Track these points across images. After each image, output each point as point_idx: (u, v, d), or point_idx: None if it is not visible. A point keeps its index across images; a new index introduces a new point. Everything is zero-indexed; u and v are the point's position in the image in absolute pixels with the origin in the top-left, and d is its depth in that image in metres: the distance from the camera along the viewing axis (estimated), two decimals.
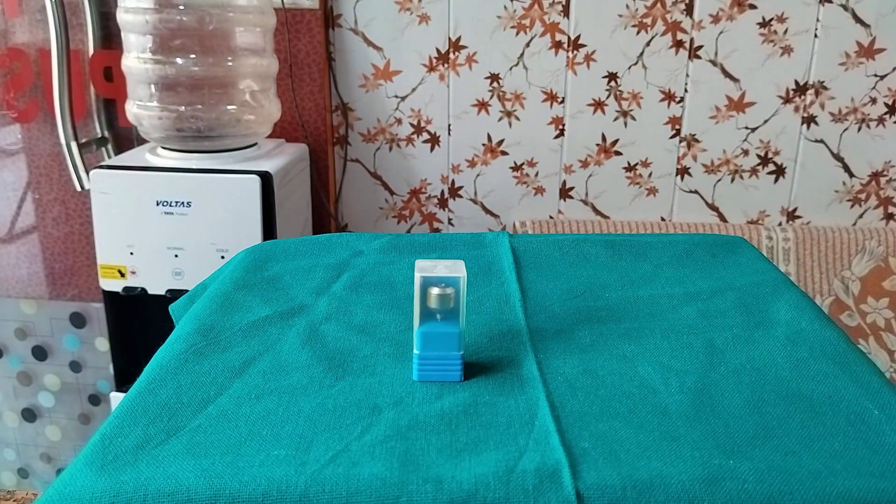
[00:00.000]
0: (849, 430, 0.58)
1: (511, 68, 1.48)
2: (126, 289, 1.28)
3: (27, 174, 1.61)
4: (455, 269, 0.65)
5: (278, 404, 0.62)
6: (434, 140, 1.55)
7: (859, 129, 1.47)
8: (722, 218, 1.55)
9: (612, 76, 1.48)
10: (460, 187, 1.57)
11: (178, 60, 1.22)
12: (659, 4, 1.42)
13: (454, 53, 1.49)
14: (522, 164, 1.54)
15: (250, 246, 0.97)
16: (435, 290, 0.64)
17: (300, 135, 1.50)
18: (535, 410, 0.61)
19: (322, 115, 1.50)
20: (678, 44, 1.45)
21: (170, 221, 1.23)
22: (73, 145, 1.38)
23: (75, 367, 1.74)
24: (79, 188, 1.41)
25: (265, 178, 1.22)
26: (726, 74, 1.46)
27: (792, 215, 1.54)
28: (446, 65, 1.49)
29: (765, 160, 1.50)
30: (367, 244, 0.96)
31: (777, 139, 1.49)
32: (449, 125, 1.53)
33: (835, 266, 1.47)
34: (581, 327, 0.76)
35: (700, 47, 1.44)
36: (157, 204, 1.23)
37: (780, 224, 1.54)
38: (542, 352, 0.71)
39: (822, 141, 1.48)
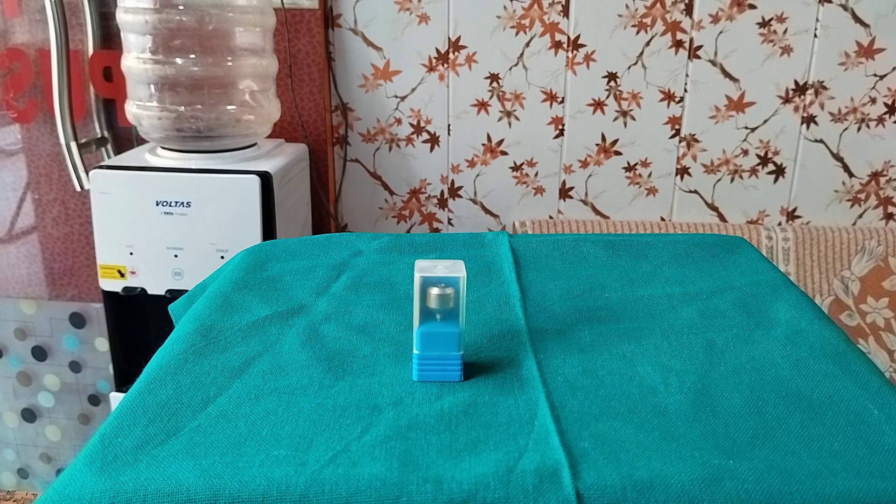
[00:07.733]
0: (849, 430, 0.58)
1: (511, 68, 1.48)
2: (126, 289, 1.28)
3: (27, 174, 1.61)
4: (455, 269, 0.65)
5: (278, 404, 0.62)
6: (434, 140, 1.55)
7: (859, 129, 1.47)
8: (722, 218, 1.55)
9: (611, 76, 1.47)
10: (460, 187, 1.57)
11: (178, 60, 1.22)
12: (658, 4, 1.42)
13: (454, 53, 1.49)
14: (522, 164, 1.54)
15: (250, 246, 0.97)
16: (435, 290, 0.64)
17: (300, 135, 1.50)
18: (534, 410, 0.61)
19: (322, 115, 1.50)
20: (678, 44, 1.45)
21: (169, 221, 1.23)
22: (73, 145, 1.38)
23: (75, 367, 1.74)
24: (78, 188, 1.41)
25: (265, 178, 1.22)
26: (726, 74, 1.46)
27: (792, 215, 1.54)
28: (446, 65, 1.49)
29: (764, 160, 1.50)
30: (366, 244, 0.96)
31: (777, 139, 1.49)
32: (449, 125, 1.53)
33: (834, 266, 1.47)
34: (581, 327, 0.76)
35: (700, 47, 1.44)
36: (157, 204, 1.23)
37: (779, 224, 1.54)
38: (541, 352, 0.71)
39: (821, 141, 1.48)
